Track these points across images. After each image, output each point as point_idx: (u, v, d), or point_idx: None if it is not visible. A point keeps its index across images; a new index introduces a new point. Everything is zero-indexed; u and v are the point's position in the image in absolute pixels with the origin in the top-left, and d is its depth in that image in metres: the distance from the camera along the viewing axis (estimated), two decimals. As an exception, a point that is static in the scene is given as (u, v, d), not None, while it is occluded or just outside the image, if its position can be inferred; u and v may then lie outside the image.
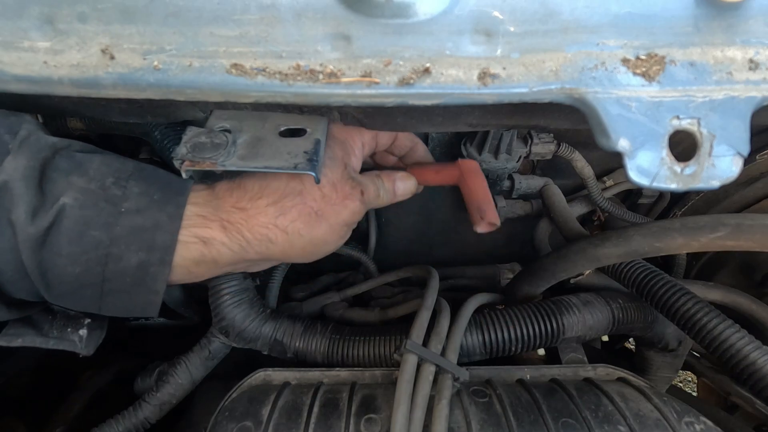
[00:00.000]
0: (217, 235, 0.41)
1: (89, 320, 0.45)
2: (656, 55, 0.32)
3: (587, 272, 0.64)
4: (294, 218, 0.43)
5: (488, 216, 0.52)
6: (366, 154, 0.52)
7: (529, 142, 0.66)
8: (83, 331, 0.44)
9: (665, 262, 0.82)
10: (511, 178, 0.74)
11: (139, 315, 0.41)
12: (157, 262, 0.38)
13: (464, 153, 0.65)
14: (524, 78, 0.32)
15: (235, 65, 0.32)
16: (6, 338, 0.42)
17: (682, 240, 0.48)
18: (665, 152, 0.31)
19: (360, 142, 0.50)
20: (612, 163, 0.78)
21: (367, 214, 0.80)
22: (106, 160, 0.38)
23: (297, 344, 0.57)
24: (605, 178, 0.78)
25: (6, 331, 0.42)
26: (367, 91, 0.32)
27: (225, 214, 0.41)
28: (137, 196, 0.38)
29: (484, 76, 0.32)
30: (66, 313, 0.44)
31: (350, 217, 0.47)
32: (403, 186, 0.53)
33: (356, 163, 0.49)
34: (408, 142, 0.55)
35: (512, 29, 0.32)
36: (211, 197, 0.42)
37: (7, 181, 0.34)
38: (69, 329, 0.44)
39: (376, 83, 0.32)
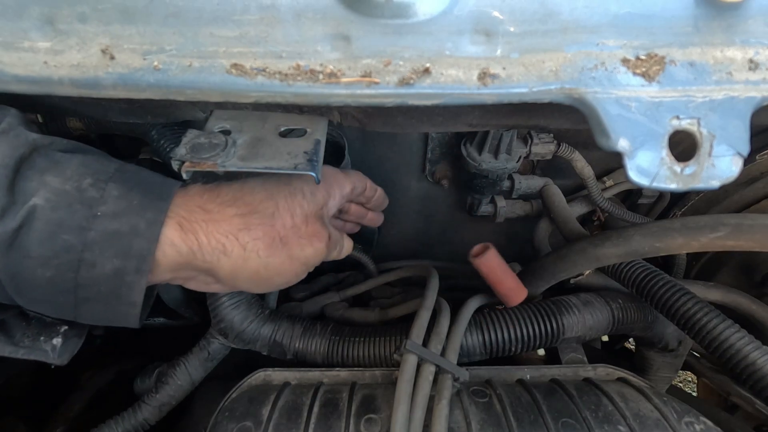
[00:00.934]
0: (168, 233, 0.37)
1: (66, 327, 0.43)
2: (656, 55, 0.32)
3: (587, 272, 0.64)
4: (257, 237, 0.41)
5: (512, 302, 0.57)
6: (343, 202, 0.52)
7: (529, 142, 0.66)
8: (57, 340, 0.42)
9: (665, 262, 0.82)
10: (511, 178, 0.74)
11: (119, 326, 0.39)
12: (133, 271, 0.36)
13: (464, 153, 0.65)
14: (524, 78, 0.32)
15: (235, 65, 0.32)
16: None
17: (682, 240, 0.48)
18: (665, 152, 0.31)
19: (341, 191, 0.50)
20: (612, 163, 0.78)
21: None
22: (87, 160, 0.36)
23: (296, 345, 0.57)
24: (605, 178, 0.78)
25: None
26: (367, 91, 0.32)
27: (186, 212, 0.39)
28: (115, 200, 0.35)
29: (483, 76, 0.32)
30: (42, 319, 0.42)
31: (312, 257, 0.46)
32: (347, 249, 0.54)
33: (333, 208, 0.49)
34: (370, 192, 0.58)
35: (512, 29, 0.32)
36: (182, 194, 0.40)
37: None
38: (42, 338, 0.42)
39: (376, 83, 0.32)
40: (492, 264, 0.56)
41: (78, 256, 0.34)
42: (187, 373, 0.58)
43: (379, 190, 0.59)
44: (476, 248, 0.58)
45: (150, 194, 0.37)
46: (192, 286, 0.45)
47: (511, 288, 0.57)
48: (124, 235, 0.35)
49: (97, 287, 0.36)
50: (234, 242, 0.40)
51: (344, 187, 0.51)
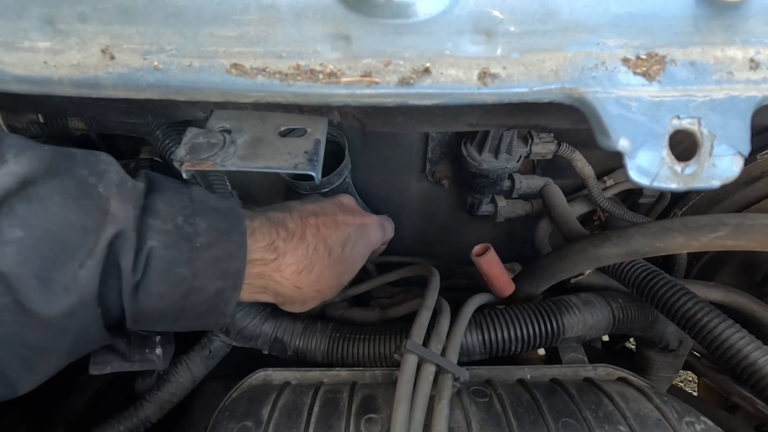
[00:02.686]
0: (269, 298, 0.49)
1: (159, 337, 0.48)
2: (656, 54, 0.32)
3: (587, 272, 0.64)
4: (316, 300, 0.52)
5: (504, 294, 0.62)
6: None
7: (530, 141, 0.66)
8: (159, 350, 0.47)
9: (666, 262, 0.82)
10: (511, 177, 0.74)
11: (204, 330, 0.45)
12: (231, 288, 0.41)
13: (464, 153, 0.65)
14: (524, 78, 0.32)
15: (235, 65, 0.32)
16: (97, 367, 0.45)
17: (682, 240, 0.48)
18: (665, 152, 0.31)
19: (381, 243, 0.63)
20: (612, 162, 0.78)
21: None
22: (167, 197, 0.40)
23: (297, 343, 0.57)
24: (605, 178, 0.78)
25: (94, 361, 0.45)
26: (367, 91, 0.32)
27: (283, 289, 0.48)
28: (206, 231, 0.40)
29: (484, 75, 0.32)
30: (138, 333, 0.46)
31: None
32: None
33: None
34: None
35: (512, 29, 0.32)
36: (280, 263, 0.47)
37: (123, 230, 0.35)
38: (147, 350, 0.47)
39: (376, 83, 0.32)
40: (492, 262, 0.61)
41: (189, 285, 0.38)
42: (188, 371, 0.58)
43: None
44: (477, 248, 0.61)
45: (227, 220, 0.42)
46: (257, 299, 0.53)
47: (506, 282, 0.62)
48: (221, 260, 0.40)
49: (200, 308, 0.40)
50: (300, 304, 0.51)
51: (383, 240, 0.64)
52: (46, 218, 0.32)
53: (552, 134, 0.67)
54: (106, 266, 0.34)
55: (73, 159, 0.36)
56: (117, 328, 0.41)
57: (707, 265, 0.79)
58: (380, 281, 0.74)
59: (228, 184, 0.59)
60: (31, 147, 0.34)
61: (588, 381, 0.51)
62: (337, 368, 0.53)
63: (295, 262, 0.48)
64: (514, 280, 0.64)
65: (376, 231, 0.61)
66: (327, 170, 0.59)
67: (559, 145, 0.67)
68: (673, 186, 0.31)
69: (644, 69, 0.32)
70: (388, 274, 0.74)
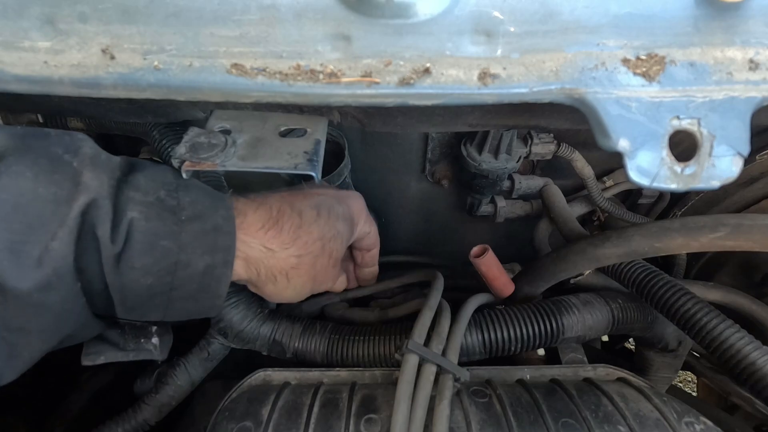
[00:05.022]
0: (236, 267, 0.43)
1: (155, 327, 0.47)
2: (656, 55, 0.32)
3: (587, 272, 0.64)
4: (301, 275, 0.48)
5: (504, 294, 0.63)
6: (354, 238, 0.57)
7: (529, 142, 0.66)
8: (155, 339, 0.46)
9: (665, 262, 0.82)
10: (511, 178, 0.74)
11: (201, 317, 0.43)
12: (221, 264, 0.40)
13: (464, 153, 0.65)
14: (524, 78, 0.32)
15: (235, 65, 0.32)
16: (90, 357, 0.44)
17: (682, 240, 0.48)
18: (665, 152, 0.31)
19: (361, 228, 0.57)
20: (612, 163, 0.78)
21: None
22: (148, 174, 0.39)
23: (296, 344, 0.57)
24: (605, 178, 0.78)
25: (86, 351, 0.44)
26: (368, 91, 0.32)
27: (251, 250, 0.44)
28: (191, 204, 0.39)
29: (484, 76, 0.32)
30: (132, 324, 0.45)
31: (324, 289, 0.55)
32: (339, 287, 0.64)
33: (350, 241, 0.56)
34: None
35: (512, 29, 0.32)
36: (246, 226, 0.43)
37: (96, 198, 0.34)
38: (142, 339, 0.46)
39: (377, 83, 0.32)
40: (490, 263, 0.61)
41: (175, 259, 0.37)
42: (186, 374, 0.58)
43: (375, 249, 0.65)
44: (476, 249, 0.61)
45: (212, 196, 0.41)
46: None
47: (505, 283, 0.62)
48: (209, 233, 0.39)
49: (190, 285, 0.39)
50: (283, 277, 0.47)
51: (366, 225, 0.58)
52: (15, 192, 0.32)
53: (552, 134, 0.67)
54: (81, 237, 0.34)
55: (47, 137, 0.36)
56: (108, 319, 0.40)
57: (707, 266, 0.79)
58: (383, 287, 0.72)
59: (225, 183, 0.59)
60: (3, 127, 0.34)
61: (587, 381, 0.51)
62: (337, 368, 0.53)
63: (257, 220, 0.44)
64: (513, 280, 0.64)
65: (356, 200, 0.57)
66: (327, 170, 0.59)
67: (558, 145, 0.67)
68: (673, 186, 0.31)
69: (644, 69, 0.32)
70: (390, 280, 0.71)
